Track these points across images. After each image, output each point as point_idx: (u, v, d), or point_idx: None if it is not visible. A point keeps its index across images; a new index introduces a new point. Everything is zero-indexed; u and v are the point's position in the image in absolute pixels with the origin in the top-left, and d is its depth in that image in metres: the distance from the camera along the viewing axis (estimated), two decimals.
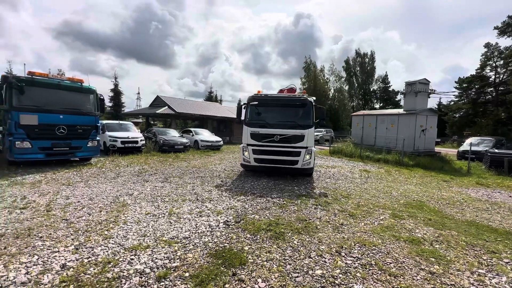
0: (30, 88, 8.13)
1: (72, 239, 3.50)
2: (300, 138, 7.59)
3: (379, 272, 2.99)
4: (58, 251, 3.17)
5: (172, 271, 2.83)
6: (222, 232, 3.95)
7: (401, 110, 15.72)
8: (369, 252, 3.47)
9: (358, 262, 3.19)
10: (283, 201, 5.70)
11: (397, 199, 6.40)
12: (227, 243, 3.56)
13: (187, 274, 2.78)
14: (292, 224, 4.34)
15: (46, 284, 2.53)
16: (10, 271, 2.73)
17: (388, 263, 3.19)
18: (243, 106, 8.26)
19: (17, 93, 7.89)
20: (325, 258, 3.26)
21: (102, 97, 9.97)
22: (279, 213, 4.89)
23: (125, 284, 2.58)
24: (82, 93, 9.30)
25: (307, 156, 7.57)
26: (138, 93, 75.24)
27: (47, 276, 2.66)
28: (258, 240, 3.70)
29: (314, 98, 8.27)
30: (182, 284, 2.62)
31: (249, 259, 3.15)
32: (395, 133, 14.82)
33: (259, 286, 2.64)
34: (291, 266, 3.04)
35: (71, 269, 2.80)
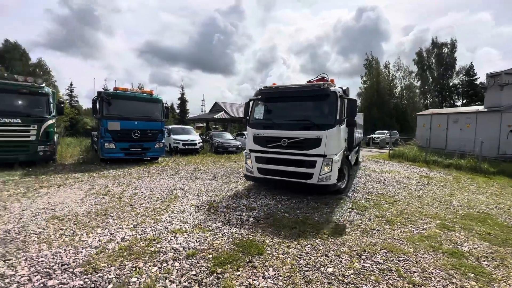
0: (115, 100, 10.17)
1: (132, 220, 4.42)
2: (315, 142, 5.59)
3: (397, 278, 2.87)
4: (121, 228, 4.08)
5: (199, 252, 3.34)
6: (250, 226, 4.32)
7: (480, 108, 13.28)
8: (394, 258, 3.31)
9: (377, 266, 3.11)
10: (317, 202, 5.72)
11: (455, 209, 5.63)
12: (251, 235, 3.91)
13: (210, 256, 3.25)
14: (319, 225, 4.40)
15: (109, 249, 3.36)
16: (89, 238, 3.70)
17: (411, 272, 3.02)
18: (251, 103, 6.71)
19: (106, 105, 9.99)
20: (342, 258, 3.29)
21: (167, 106, 11.66)
22: (309, 214, 4.98)
23: (162, 256, 3.21)
24: (151, 102, 11.10)
25: (326, 168, 5.53)
26: (203, 100, 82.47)
27: (111, 244, 3.52)
28: (280, 236, 3.93)
29: (342, 88, 6.13)
30: (204, 262, 3.10)
31: (267, 250, 3.43)
32: (472, 135, 12.62)
33: (268, 274, 2.90)
34: (304, 261, 3.20)
35: (127, 241, 3.60)
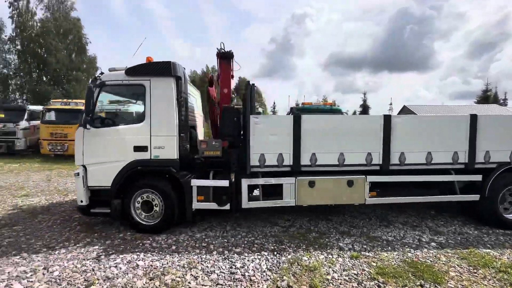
0: (302, 113, 12.12)
1: None
2: None
3: None
4: None
5: (363, 257, 3.46)
6: (431, 250, 3.71)
7: None
8: None
9: None
10: None
11: None
12: (430, 260, 3.39)
13: (374, 264, 3.27)
14: None
15: None
16: None
17: None
18: None
19: None
20: None
21: (347, 114, 12.12)
22: None
23: (328, 249, 3.68)
24: (332, 113, 12.02)
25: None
26: (390, 104, 74.15)
27: None
28: (476, 273, 3.08)
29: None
30: (367, 267, 3.19)
31: (449, 284, 2.87)
32: None
33: None
34: None
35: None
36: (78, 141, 4.23)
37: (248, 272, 3.08)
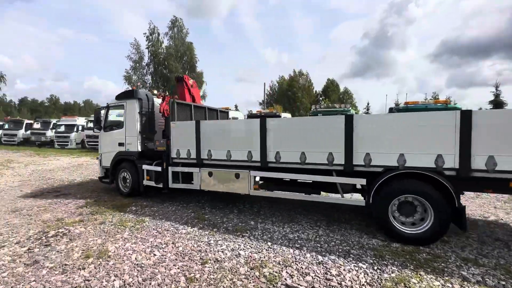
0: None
1: None
2: None
3: None
4: None
5: None
6: None
7: None
8: None
9: None
10: None
11: None
12: None
13: None
14: None
15: None
16: None
17: None
18: None
19: None
20: None
21: None
22: None
23: None
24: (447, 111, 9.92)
25: None
26: None
27: None
28: None
29: None
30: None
31: None
32: None
33: None
34: None
35: None
36: (99, 139, 7.41)
37: (345, 282, 2.95)
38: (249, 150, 4.93)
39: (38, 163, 12.74)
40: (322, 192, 4.95)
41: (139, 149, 6.40)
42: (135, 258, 3.50)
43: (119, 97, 6.87)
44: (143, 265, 3.33)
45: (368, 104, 44.17)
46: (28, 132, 23.88)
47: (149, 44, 32.59)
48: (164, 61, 31.62)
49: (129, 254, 3.62)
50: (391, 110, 11.09)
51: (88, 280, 3.01)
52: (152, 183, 6.14)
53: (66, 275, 3.11)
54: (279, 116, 12.78)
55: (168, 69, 31.16)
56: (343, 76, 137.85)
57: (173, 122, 5.96)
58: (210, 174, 5.42)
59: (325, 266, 3.29)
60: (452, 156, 3.61)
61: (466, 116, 3.51)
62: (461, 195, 3.79)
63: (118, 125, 6.90)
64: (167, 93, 7.56)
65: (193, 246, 3.85)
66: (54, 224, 4.71)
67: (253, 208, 5.74)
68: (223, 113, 9.02)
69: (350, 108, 12.17)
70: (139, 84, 27.84)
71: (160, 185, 6.02)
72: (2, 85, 42.48)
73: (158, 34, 32.67)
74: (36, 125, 24.38)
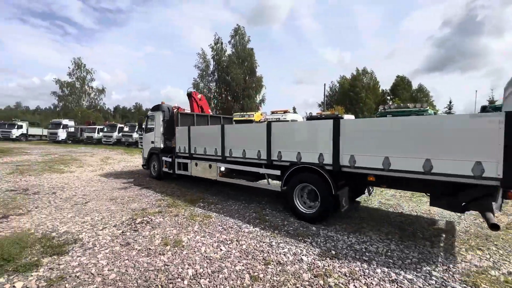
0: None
1: None
2: None
3: None
4: None
5: None
6: None
7: None
8: None
9: None
10: None
11: None
12: None
13: None
14: None
15: None
16: None
17: None
18: None
19: None
20: None
21: None
22: None
23: None
24: None
25: None
26: None
27: None
28: None
29: None
30: None
31: None
32: None
33: None
34: None
35: None
36: (142, 139, 10.60)
37: None
38: (215, 147, 6.80)
39: (127, 160, 15.19)
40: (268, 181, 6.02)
41: (162, 146, 9.06)
42: (204, 251, 3.81)
43: (152, 109, 9.58)
44: (211, 258, 3.59)
45: (450, 102, 37.97)
46: (120, 134, 28.70)
47: (214, 53, 35.25)
48: (227, 68, 33.72)
49: (199, 246, 3.97)
50: (484, 109, 9.26)
51: (167, 265, 3.41)
52: (167, 170, 8.71)
53: (150, 258, 3.60)
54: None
55: (230, 75, 33.09)
56: (416, 72, 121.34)
57: (177, 127, 8.53)
58: (196, 164, 7.51)
59: (400, 286, 2.94)
60: (328, 154, 4.59)
61: (336, 124, 4.43)
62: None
63: (151, 129, 9.59)
64: (179, 106, 10.16)
65: (256, 246, 3.96)
66: (140, 213, 5.52)
67: None
68: (226, 119, 11.10)
69: (428, 108, 10.64)
70: (199, 91, 30.44)
71: (171, 171, 8.55)
72: (102, 96, 52.12)
73: (222, 43, 35.06)
74: (126, 128, 29.10)
